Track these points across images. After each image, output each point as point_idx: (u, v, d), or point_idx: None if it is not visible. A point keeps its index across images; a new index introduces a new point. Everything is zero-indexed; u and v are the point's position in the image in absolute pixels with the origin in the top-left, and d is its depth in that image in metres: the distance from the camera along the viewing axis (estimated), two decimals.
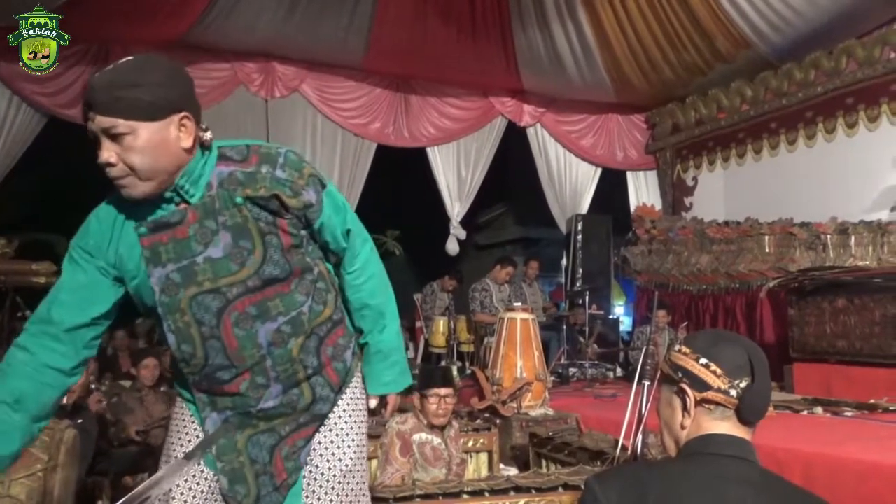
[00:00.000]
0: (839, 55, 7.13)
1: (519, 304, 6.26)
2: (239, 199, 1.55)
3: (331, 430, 1.69)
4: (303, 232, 1.63)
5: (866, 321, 5.50)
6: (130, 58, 1.49)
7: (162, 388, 4.95)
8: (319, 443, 1.68)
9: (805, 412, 4.80)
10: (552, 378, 6.15)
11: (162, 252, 1.53)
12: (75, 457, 2.73)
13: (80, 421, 3.62)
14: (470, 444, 4.01)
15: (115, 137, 1.44)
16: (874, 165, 6.70)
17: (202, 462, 1.61)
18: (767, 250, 7.30)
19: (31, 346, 1.55)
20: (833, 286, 5.80)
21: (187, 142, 1.50)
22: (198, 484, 1.62)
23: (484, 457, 4.10)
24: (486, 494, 2.66)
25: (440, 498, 2.61)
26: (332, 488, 1.67)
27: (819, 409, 4.79)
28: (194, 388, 1.62)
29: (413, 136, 8.77)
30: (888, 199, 6.54)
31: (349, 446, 1.70)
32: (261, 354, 1.57)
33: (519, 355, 5.24)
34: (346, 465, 1.69)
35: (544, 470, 3.61)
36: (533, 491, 2.70)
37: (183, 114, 1.49)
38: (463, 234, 9.11)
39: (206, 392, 1.61)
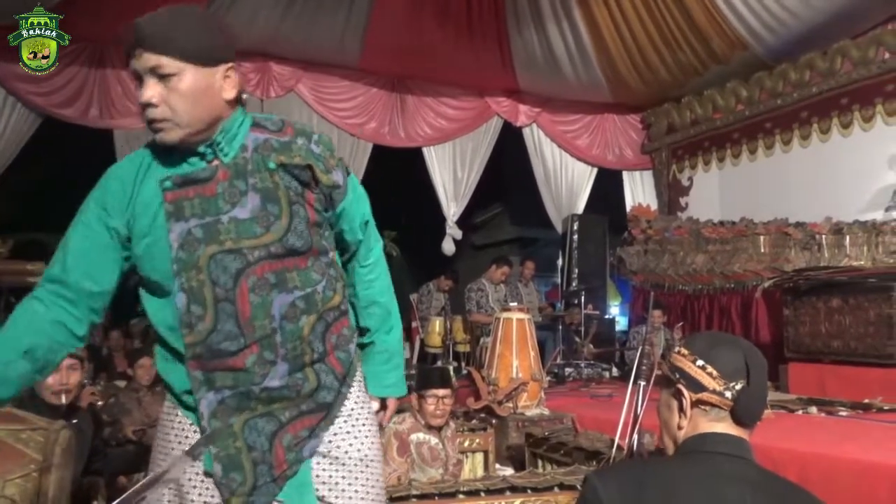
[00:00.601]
0: (834, 56, 7.16)
1: (515, 304, 6.27)
2: (272, 165, 1.54)
3: (346, 421, 1.64)
4: (326, 213, 1.63)
5: (861, 321, 5.51)
6: (179, 6, 1.50)
7: (158, 388, 4.92)
8: (336, 434, 1.62)
9: (800, 412, 4.82)
10: (548, 378, 6.16)
11: (186, 206, 1.50)
12: (70, 457, 2.72)
13: (75, 421, 3.60)
14: (466, 444, 4.01)
15: (162, 77, 1.44)
16: (869, 165, 6.73)
17: (201, 465, 1.53)
18: (762, 250, 7.32)
19: (47, 301, 1.53)
20: (828, 286, 5.81)
21: (230, 93, 1.51)
22: (207, 490, 1.54)
23: (480, 457, 4.10)
24: (482, 494, 2.67)
25: (436, 498, 2.61)
26: (357, 478, 1.62)
27: (814, 409, 4.81)
28: (191, 364, 1.52)
29: (409, 136, 8.76)
30: (883, 199, 6.56)
31: (366, 436, 1.67)
32: (272, 327, 1.52)
33: (515, 355, 5.24)
34: (366, 455, 1.65)
35: (540, 470, 3.62)
36: (529, 491, 2.70)
37: (230, 64, 1.51)
38: (459, 235, 9.11)
39: (204, 368, 1.52)
